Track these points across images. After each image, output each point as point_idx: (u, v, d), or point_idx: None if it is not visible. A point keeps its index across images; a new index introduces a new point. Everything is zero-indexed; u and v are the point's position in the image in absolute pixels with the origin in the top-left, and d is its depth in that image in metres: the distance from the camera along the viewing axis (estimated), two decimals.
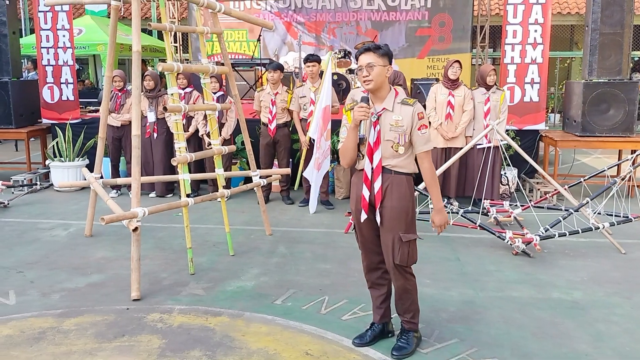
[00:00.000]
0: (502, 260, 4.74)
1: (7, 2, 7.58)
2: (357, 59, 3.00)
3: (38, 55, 7.89)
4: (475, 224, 4.96)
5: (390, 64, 3.00)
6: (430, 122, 6.09)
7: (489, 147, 6.00)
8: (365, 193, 3.06)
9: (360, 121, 2.95)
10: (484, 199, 5.83)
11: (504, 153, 5.87)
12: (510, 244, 4.85)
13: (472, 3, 11.69)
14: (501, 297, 3.99)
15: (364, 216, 3.10)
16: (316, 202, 6.34)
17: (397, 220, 3.02)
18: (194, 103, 6.76)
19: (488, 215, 5.54)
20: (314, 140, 6.18)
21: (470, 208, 5.64)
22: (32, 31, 12.56)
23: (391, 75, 6.06)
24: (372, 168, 3.03)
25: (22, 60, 9.69)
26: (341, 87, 8.53)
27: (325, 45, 12.04)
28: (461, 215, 5.11)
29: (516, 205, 5.73)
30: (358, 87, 7.34)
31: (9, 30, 7.59)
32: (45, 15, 7.75)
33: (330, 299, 3.91)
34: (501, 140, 5.85)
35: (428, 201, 4.76)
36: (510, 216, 5.52)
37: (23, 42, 9.87)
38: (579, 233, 4.97)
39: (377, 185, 3.03)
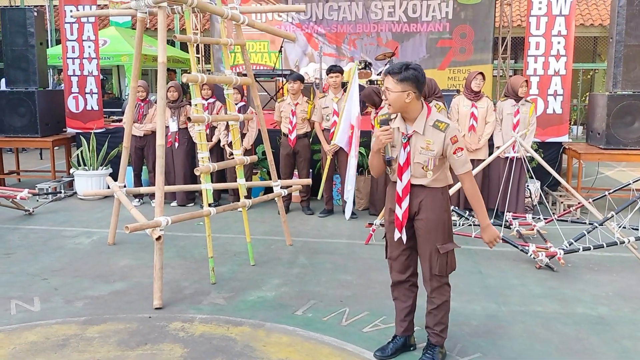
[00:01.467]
0: (526, 274, 4.68)
1: (36, 14, 7.75)
2: (384, 76, 3.00)
3: (64, 65, 8.04)
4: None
5: (417, 87, 2.89)
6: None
7: (512, 159, 5.95)
8: (398, 212, 3.07)
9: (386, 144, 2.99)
10: (507, 212, 5.77)
11: (527, 165, 5.82)
12: (534, 258, 4.79)
13: (494, 14, 11.64)
14: (525, 311, 3.94)
15: (397, 235, 3.10)
16: (352, 206, 6.35)
17: (434, 231, 3.02)
18: (217, 113, 6.82)
19: (510, 228, 5.49)
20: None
21: (492, 220, 5.57)
22: (57, 42, 12.81)
23: (427, 87, 6.09)
24: (402, 187, 3.04)
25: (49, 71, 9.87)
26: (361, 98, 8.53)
27: (345, 57, 12.08)
28: None
29: (539, 218, 5.66)
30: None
31: (37, 41, 7.76)
32: (71, 26, 7.91)
33: (351, 311, 3.89)
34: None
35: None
36: (533, 229, 5.45)
37: (49, 52, 10.06)
38: (603, 247, 4.88)
39: (405, 204, 3.03)
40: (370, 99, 6.23)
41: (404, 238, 3.09)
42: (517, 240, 5.15)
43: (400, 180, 3.03)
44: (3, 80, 10.24)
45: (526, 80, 6.27)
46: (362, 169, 6.85)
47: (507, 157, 6.05)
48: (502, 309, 3.98)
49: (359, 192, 6.96)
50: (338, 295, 4.19)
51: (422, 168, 2.99)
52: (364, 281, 4.49)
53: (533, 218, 5.62)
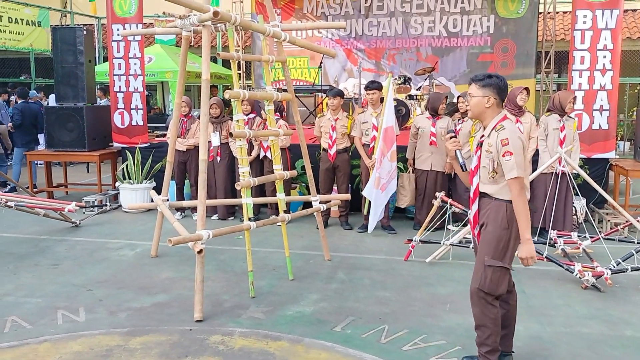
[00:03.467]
0: (571, 294, 4.55)
1: (85, 33, 8.05)
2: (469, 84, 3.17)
3: (110, 82, 8.30)
4: (542, 255, 4.79)
5: (498, 94, 3.02)
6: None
7: (557, 176, 5.81)
8: (470, 216, 3.15)
9: (455, 151, 3.15)
10: (552, 229, 5.63)
11: (572, 182, 5.68)
12: (579, 277, 4.65)
13: (537, 28, 11.46)
14: (570, 332, 3.82)
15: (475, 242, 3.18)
16: (376, 222, 6.32)
17: (488, 244, 3.01)
18: (257, 128, 6.91)
19: (555, 247, 5.35)
20: None
21: (536, 238, 5.46)
22: (104, 59, 13.25)
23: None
24: (472, 191, 3.13)
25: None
26: (401, 113, 8.53)
27: (385, 72, 12.08)
28: None
29: (585, 236, 5.50)
30: (421, 114, 7.30)
31: (85, 59, 8.04)
32: (118, 44, 8.17)
33: (390, 328, 3.86)
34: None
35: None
36: (578, 248, 5.30)
37: (96, 69, 10.42)
38: None
39: (474, 208, 3.11)
40: (436, 104, 6.46)
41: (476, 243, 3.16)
42: (562, 259, 5.01)
43: (471, 184, 3.13)
44: (52, 96, 10.67)
45: (575, 97, 6.12)
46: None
47: (553, 174, 5.92)
48: (546, 329, 3.88)
49: (403, 188, 6.81)
50: (377, 312, 4.16)
51: (488, 173, 3.04)
52: (403, 298, 4.44)
53: (579, 236, 5.47)
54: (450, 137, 3.19)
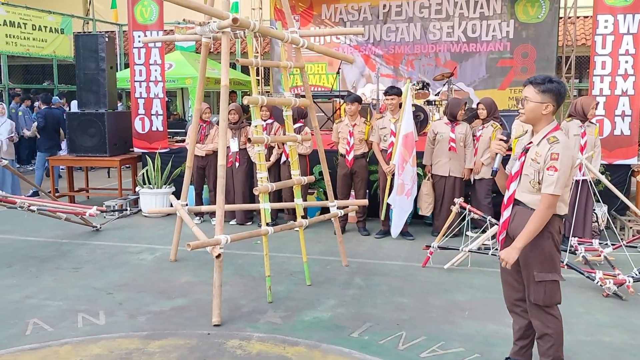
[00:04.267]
0: (592, 302, 4.48)
1: (107, 40, 8.18)
2: (524, 85, 3.03)
3: (132, 88, 8.41)
4: (563, 262, 4.72)
5: (557, 101, 2.90)
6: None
7: (578, 182, 5.75)
8: (501, 222, 3.09)
9: (496, 154, 3.07)
10: (572, 237, 5.56)
11: (593, 188, 5.60)
12: (601, 285, 4.58)
13: (557, 33, 11.36)
14: (591, 341, 3.77)
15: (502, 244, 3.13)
16: (401, 227, 6.30)
17: (532, 257, 2.94)
18: (275, 134, 6.95)
19: (576, 254, 5.28)
20: None
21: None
22: (125, 66, 13.43)
23: (488, 108, 5.99)
24: (507, 196, 3.05)
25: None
26: (419, 119, 8.49)
27: (403, 77, 12.05)
28: None
29: (606, 244, 5.42)
30: (439, 119, 7.27)
31: (107, 65, 8.16)
32: (139, 51, 8.28)
33: (408, 335, 3.84)
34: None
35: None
36: (600, 255, 5.22)
37: (117, 76, 10.58)
38: None
39: (506, 214, 3.03)
40: (455, 110, 6.41)
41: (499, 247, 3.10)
42: (583, 266, 4.94)
43: (508, 189, 3.05)
44: (74, 102, 10.85)
45: (598, 102, 6.05)
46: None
47: (574, 180, 5.84)
48: (567, 338, 3.80)
49: (426, 195, 6.76)
50: (394, 318, 4.14)
51: (530, 182, 2.95)
52: (421, 305, 4.42)
53: (600, 244, 5.39)
54: (500, 140, 3.08)
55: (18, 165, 11.11)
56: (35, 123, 9.80)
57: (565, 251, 5.06)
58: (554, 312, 3.00)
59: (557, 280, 2.97)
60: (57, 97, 12.62)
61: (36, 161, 9.36)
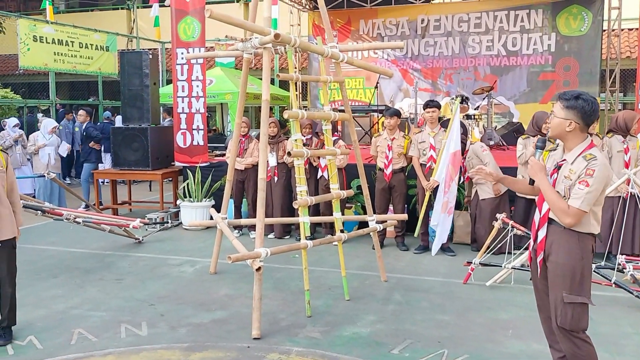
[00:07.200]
0: None
1: (151, 56, 8.40)
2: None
3: (174, 103, 8.60)
4: (610, 281, 4.58)
5: (582, 119, 2.80)
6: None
7: (625, 198, 5.57)
8: (532, 243, 3.01)
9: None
10: (620, 254, 5.37)
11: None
12: None
13: (600, 46, 11.12)
14: None
15: (535, 268, 3.02)
16: (440, 244, 6.23)
17: (562, 277, 2.84)
18: (315, 147, 6.97)
19: (624, 272, 5.08)
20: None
21: (603, 263, 5.22)
22: (167, 82, 13.75)
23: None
24: (540, 216, 2.95)
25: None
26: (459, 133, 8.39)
27: (441, 91, 12.00)
28: (594, 271, 4.73)
29: None
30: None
31: (151, 82, 8.37)
32: (182, 67, 8.47)
33: (450, 353, 3.76)
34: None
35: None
36: None
37: (160, 91, 10.83)
38: None
39: (541, 234, 2.94)
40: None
41: (537, 272, 3.00)
42: (631, 285, 4.77)
43: (540, 211, 2.95)
44: (119, 117, 11.15)
45: None
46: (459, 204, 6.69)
47: (620, 197, 5.67)
48: (616, 359, 3.68)
49: (459, 227, 6.75)
50: (435, 335, 4.07)
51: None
52: (463, 322, 4.33)
53: None
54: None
55: (68, 181, 11.46)
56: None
57: (613, 269, 4.89)
58: (584, 337, 2.89)
59: (586, 303, 2.86)
60: (108, 112, 13.02)
61: (84, 174, 9.59)
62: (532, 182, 3.04)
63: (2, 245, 3.93)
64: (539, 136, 5.78)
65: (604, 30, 11.28)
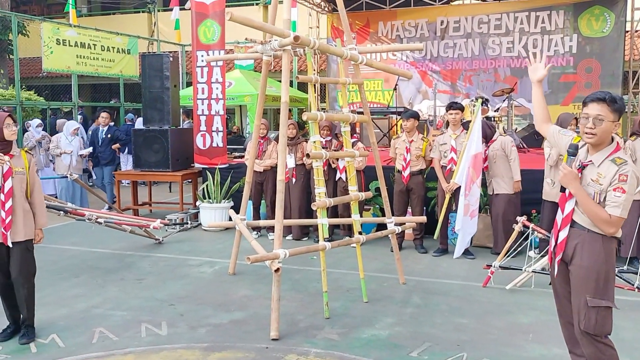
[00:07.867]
0: None
1: (171, 59, 8.48)
2: (584, 104, 2.85)
3: (194, 105, 8.66)
4: (633, 285, 4.50)
5: (619, 119, 2.80)
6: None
7: None
8: (552, 244, 2.97)
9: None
10: None
11: None
12: None
13: (623, 48, 10.95)
14: None
15: (555, 269, 2.98)
16: (463, 248, 6.18)
17: (586, 281, 2.81)
18: (334, 149, 6.98)
19: None
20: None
21: (626, 267, 5.14)
22: (188, 84, 13.87)
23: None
24: (562, 217, 2.92)
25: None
26: None
27: (461, 93, 11.91)
28: (616, 275, 4.66)
29: None
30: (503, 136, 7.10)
31: (171, 84, 8.46)
32: (202, 70, 8.54)
33: (469, 356, 3.74)
34: None
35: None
36: None
37: (180, 94, 10.92)
38: None
39: (562, 235, 2.90)
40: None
41: (554, 272, 2.96)
42: None
43: (562, 211, 2.91)
44: (140, 119, 11.27)
45: None
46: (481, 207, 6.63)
47: None
48: None
49: (478, 229, 6.68)
50: (454, 339, 4.05)
51: None
52: (482, 326, 4.30)
53: None
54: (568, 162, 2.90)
55: (90, 183, 11.59)
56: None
57: (636, 273, 4.81)
58: (607, 342, 2.85)
59: (610, 307, 2.82)
60: (131, 114, 13.18)
61: (105, 176, 9.69)
62: (563, 189, 2.96)
63: (15, 247, 3.95)
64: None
65: (627, 32, 11.11)
